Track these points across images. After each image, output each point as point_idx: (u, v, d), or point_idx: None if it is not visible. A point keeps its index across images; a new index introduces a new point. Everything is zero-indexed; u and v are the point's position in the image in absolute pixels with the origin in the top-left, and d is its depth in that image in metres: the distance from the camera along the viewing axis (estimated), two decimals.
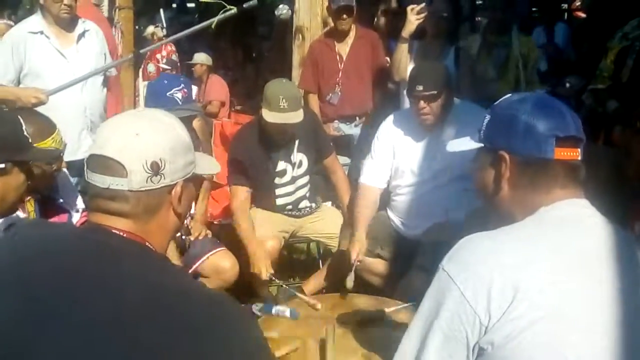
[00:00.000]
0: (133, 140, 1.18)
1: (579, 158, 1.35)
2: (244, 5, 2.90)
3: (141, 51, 4.10)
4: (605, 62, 3.65)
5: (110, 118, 1.29)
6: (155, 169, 1.18)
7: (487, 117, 1.43)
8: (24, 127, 1.91)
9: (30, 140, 1.94)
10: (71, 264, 1.12)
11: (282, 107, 3.04)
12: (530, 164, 1.33)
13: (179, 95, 2.99)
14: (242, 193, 3.29)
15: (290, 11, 3.42)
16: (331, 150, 3.56)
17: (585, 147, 1.37)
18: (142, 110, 1.34)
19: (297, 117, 3.10)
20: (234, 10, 2.91)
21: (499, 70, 4.04)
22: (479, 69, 4.06)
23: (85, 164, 1.21)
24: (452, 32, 4.13)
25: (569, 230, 1.28)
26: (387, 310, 2.50)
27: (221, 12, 2.87)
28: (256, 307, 2.58)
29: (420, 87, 2.92)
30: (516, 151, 1.35)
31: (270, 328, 2.36)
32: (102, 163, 1.18)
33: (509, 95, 1.47)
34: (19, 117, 1.96)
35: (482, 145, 1.44)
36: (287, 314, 2.52)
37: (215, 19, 2.91)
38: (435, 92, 2.93)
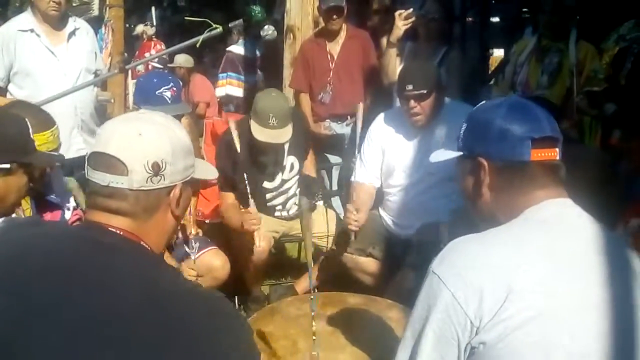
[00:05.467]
0: (136, 139, 1.19)
1: (558, 157, 1.36)
2: (229, 25, 2.93)
3: (127, 67, 4.16)
4: (600, 63, 3.61)
5: (113, 118, 1.31)
6: (156, 169, 1.19)
7: (464, 126, 1.44)
8: (30, 131, 1.92)
9: (35, 143, 1.95)
10: (64, 262, 1.12)
11: (271, 124, 3.04)
12: (508, 167, 1.35)
13: (168, 94, 2.98)
14: (231, 196, 3.29)
15: (275, 32, 3.44)
16: (309, 147, 3.56)
17: (573, 148, 1.38)
18: (144, 112, 1.35)
19: (285, 135, 3.10)
20: (219, 29, 2.94)
21: (550, 77, 3.73)
22: (522, 74, 3.83)
23: (86, 161, 1.22)
24: (444, 34, 4.13)
25: (556, 230, 1.29)
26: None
27: (207, 30, 2.91)
28: None
29: (410, 87, 2.93)
30: (493, 156, 1.36)
31: (264, 325, 2.37)
32: (103, 161, 1.19)
33: (484, 101, 1.49)
34: (26, 119, 1.97)
35: (461, 153, 1.45)
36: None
37: (200, 37, 2.95)
38: (425, 91, 2.93)
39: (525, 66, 3.82)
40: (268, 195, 3.41)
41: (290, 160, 3.39)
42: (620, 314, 1.22)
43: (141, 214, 1.21)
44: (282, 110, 3.09)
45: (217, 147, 3.48)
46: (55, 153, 2.27)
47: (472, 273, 1.20)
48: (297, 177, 3.46)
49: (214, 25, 2.97)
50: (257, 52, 7.42)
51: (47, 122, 2.27)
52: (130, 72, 6.86)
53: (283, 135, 3.10)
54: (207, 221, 3.93)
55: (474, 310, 1.17)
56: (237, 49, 7.19)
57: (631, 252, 1.32)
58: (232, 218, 3.27)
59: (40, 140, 2.15)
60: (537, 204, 1.32)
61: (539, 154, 1.33)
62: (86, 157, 1.23)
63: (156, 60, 7.26)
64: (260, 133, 3.07)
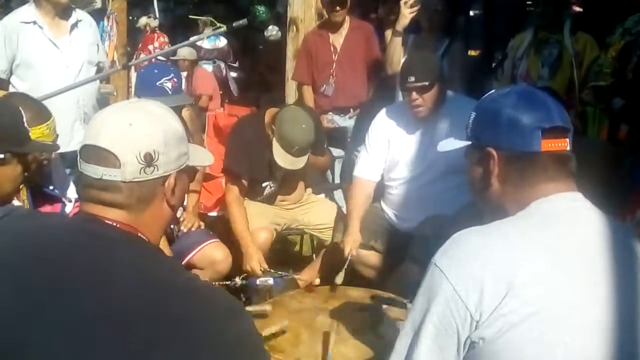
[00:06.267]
0: (126, 130, 1.18)
1: (568, 148, 1.34)
2: (234, 24, 2.92)
3: (130, 64, 4.19)
4: (606, 57, 3.59)
5: (103, 109, 1.29)
6: (149, 160, 1.18)
7: (473, 115, 1.42)
8: (24, 119, 1.91)
9: (29, 132, 1.94)
10: (64, 255, 1.11)
11: (294, 151, 3.06)
12: (518, 158, 1.33)
13: (168, 85, 2.99)
14: (237, 188, 3.29)
15: (279, 32, 3.45)
16: (324, 149, 3.56)
17: (577, 140, 1.36)
18: (135, 101, 1.33)
19: (303, 161, 3.13)
20: (223, 28, 2.94)
21: (550, 69, 3.73)
22: (522, 67, 3.82)
23: (79, 154, 1.20)
24: (447, 26, 4.11)
25: (562, 224, 1.27)
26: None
27: (212, 29, 2.91)
28: (237, 281, 2.83)
29: (412, 79, 2.92)
30: (503, 146, 1.34)
31: (267, 320, 2.37)
32: (95, 153, 1.18)
33: (493, 91, 1.47)
34: (20, 108, 1.96)
35: (470, 142, 1.43)
36: (271, 282, 2.74)
37: (204, 35, 2.96)
38: (428, 83, 2.92)
39: (524, 59, 3.83)
40: (269, 190, 3.41)
41: None
42: (627, 308, 1.21)
43: (136, 205, 1.19)
44: (307, 143, 3.10)
45: (230, 134, 3.47)
46: (50, 143, 2.25)
47: (474, 266, 1.19)
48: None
49: (218, 25, 2.97)
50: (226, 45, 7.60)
51: (43, 114, 2.26)
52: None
53: (301, 161, 3.13)
54: (209, 214, 3.93)
55: (475, 304, 1.16)
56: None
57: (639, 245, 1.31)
58: (235, 219, 3.25)
59: (36, 134, 2.15)
60: (545, 196, 1.30)
61: (549, 145, 1.31)
62: (78, 151, 1.21)
63: (158, 51, 7.27)
64: (281, 158, 3.08)
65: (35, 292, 1.06)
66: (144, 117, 1.21)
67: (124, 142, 1.17)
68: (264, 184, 3.39)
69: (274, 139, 3.09)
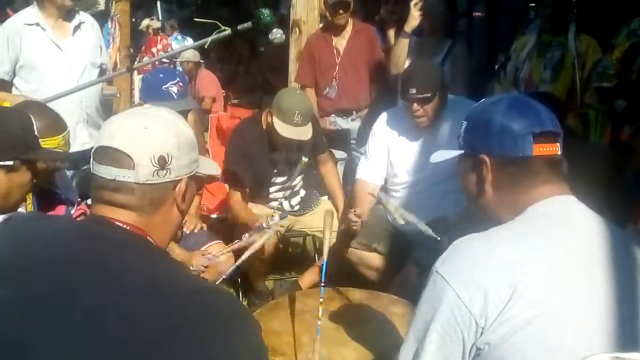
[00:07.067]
0: (142, 133, 1.19)
1: (559, 152, 1.35)
2: (238, 27, 2.92)
3: (134, 66, 4.21)
4: (610, 59, 3.59)
5: (118, 113, 1.31)
6: (162, 163, 1.19)
7: (464, 124, 1.44)
8: (34, 127, 1.92)
9: (39, 140, 1.95)
10: (70, 256, 1.12)
11: (296, 121, 3.09)
12: (511, 163, 1.34)
13: (174, 89, 3.00)
14: (240, 192, 3.30)
15: (283, 36, 3.48)
16: (325, 146, 3.58)
17: (578, 146, 1.37)
18: (149, 107, 1.35)
19: (308, 132, 3.16)
20: (228, 31, 2.94)
21: (552, 71, 3.73)
22: (524, 70, 3.82)
23: (92, 156, 1.22)
24: (449, 28, 4.11)
25: (560, 227, 1.28)
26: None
27: (215, 32, 2.91)
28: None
29: (414, 90, 2.91)
30: (495, 153, 1.35)
31: (268, 320, 2.37)
32: (109, 155, 1.19)
33: (483, 99, 1.49)
34: (31, 115, 1.97)
35: (463, 151, 1.44)
36: (277, 218, 2.77)
37: (208, 39, 2.96)
38: (429, 94, 2.92)
39: (527, 62, 3.82)
40: (273, 189, 3.42)
41: (298, 156, 3.40)
42: (626, 310, 1.21)
43: (147, 208, 1.21)
44: (306, 108, 3.15)
45: (231, 137, 3.48)
46: (60, 150, 2.27)
47: (477, 272, 1.19)
48: (303, 174, 3.48)
49: (223, 27, 2.97)
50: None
51: (59, 126, 2.29)
52: None
53: (306, 132, 3.15)
54: (211, 215, 3.94)
55: (479, 310, 1.16)
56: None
57: (637, 248, 1.31)
58: (240, 214, 3.29)
59: (52, 144, 2.18)
60: (540, 200, 1.31)
61: (540, 149, 1.32)
62: (92, 152, 1.22)
63: (161, 55, 7.29)
64: (285, 130, 3.10)
65: (38, 294, 1.07)
66: (159, 122, 1.23)
67: (139, 144, 1.18)
68: (271, 189, 3.40)
69: (274, 118, 3.12)
